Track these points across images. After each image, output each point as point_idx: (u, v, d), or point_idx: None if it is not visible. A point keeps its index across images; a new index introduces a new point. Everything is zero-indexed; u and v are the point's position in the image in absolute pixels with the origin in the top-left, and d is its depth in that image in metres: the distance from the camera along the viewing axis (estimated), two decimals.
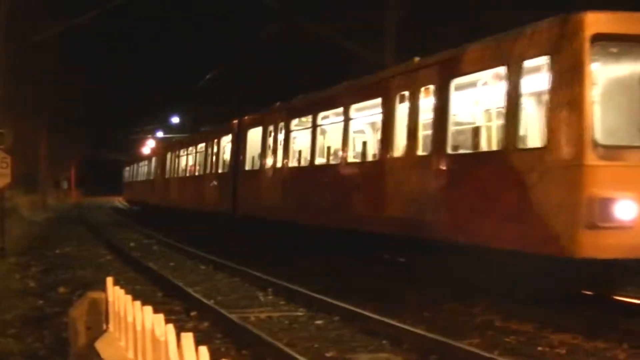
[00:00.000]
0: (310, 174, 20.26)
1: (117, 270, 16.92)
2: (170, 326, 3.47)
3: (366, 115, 18.05)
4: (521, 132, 12.15)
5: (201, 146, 32.78)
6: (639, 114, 11.34)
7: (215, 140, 29.83)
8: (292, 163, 21.41)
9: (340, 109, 18.30)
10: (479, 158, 13.35)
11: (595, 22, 10.75)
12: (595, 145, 10.50)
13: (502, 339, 9.83)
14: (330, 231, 18.69)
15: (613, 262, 10.86)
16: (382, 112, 16.14)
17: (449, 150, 13.62)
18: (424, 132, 14.68)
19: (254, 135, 24.68)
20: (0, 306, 12.30)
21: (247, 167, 25.56)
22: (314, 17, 30.86)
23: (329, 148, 19.80)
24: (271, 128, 22.79)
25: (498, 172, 12.28)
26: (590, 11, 10.79)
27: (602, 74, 11.48)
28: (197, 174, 33.51)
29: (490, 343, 9.40)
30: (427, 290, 13.61)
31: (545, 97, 11.40)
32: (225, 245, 23.97)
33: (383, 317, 10.48)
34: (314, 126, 19.84)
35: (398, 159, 15.33)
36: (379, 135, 16.63)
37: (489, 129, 13.46)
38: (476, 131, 13.64)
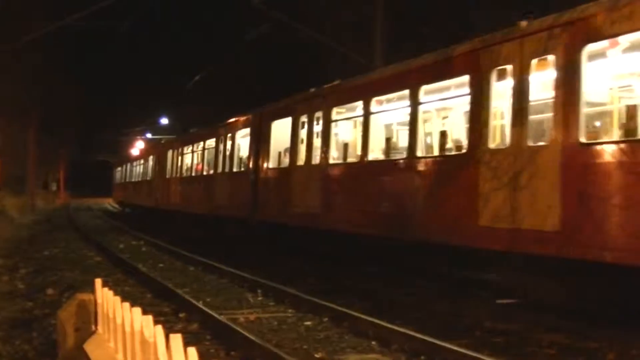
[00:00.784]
0: (363, 171, 16.56)
1: (106, 272, 16.88)
2: (159, 327, 3.47)
3: (441, 98, 14.92)
4: None
5: (210, 142, 29.39)
6: None
7: (229, 135, 26.50)
8: (336, 159, 18.24)
9: (405, 92, 15.08)
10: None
11: None
12: None
13: (491, 339, 9.85)
14: (393, 243, 15.44)
15: None
16: (470, 93, 12.96)
17: (582, 139, 10.48)
18: (535, 116, 11.81)
19: (280, 128, 21.43)
20: None
21: (271, 164, 22.19)
22: (301, 18, 30.84)
23: (389, 140, 16.75)
24: (304, 118, 19.56)
25: None
26: None
27: None
28: (204, 173, 30.31)
29: (479, 343, 9.42)
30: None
31: None
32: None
33: (372, 317, 10.50)
34: (367, 114, 16.50)
35: (498, 151, 12.17)
36: (464, 122, 14.07)
37: None
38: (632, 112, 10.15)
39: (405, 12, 30.03)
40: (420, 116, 14.74)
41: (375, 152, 16.78)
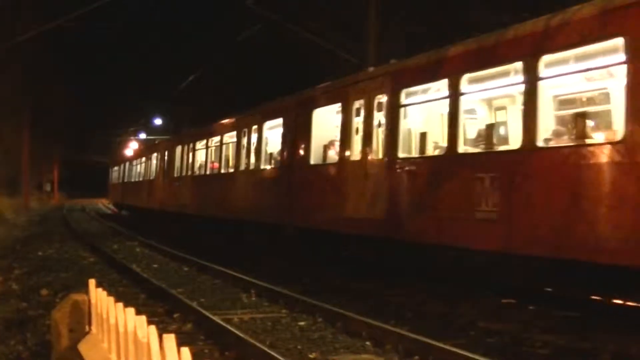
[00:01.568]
0: (454, 167, 13.28)
1: (100, 273, 16.86)
2: (153, 328, 3.47)
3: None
4: None
5: (229, 136, 25.78)
6: None
7: (253, 127, 22.93)
8: (406, 152, 15.06)
9: (516, 65, 11.98)
10: None
11: None
12: None
13: (485, 339, 9.87)
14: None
15: None
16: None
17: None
18: None
19: (325, 117, 18.49)
20: None
21: (313, 160, 18.76)
22: (294, 18, 30.82)
23: (491, 127, 13.36)
24: (359, 104, 16.57)
25: None
26: None
27: None
28: (223, 171, 26.63)
29: (473, 344, 9.43)
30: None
31: None
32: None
33: (366, 318, 10.51)
34: (455, 94, 13.24)
35: None
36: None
37: None
38: None
39: (396, 11, 30.04)
40: (543, 94, 11.65)
41: (471, 143, 13.57)
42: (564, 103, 12.38)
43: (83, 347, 5.03)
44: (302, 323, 11.03)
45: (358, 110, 16.66)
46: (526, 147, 11.49)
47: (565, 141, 11.27)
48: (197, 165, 30.50)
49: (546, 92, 11.75)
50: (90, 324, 5.26)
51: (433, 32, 26.93)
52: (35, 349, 9.26)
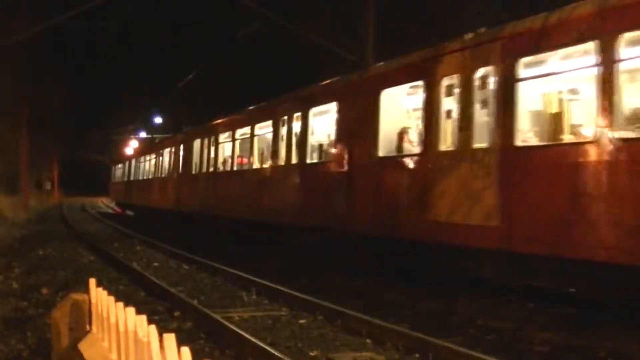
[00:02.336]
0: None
1: (100, 271, 16.87)
2: (153, 327, 3.49)
3: None
4: None
5: (264, 126, 22.65)
6: None
7: (297, 115, 19.77)
8: (529, 139, 12.05)
9: None
10: None
11: None
12: None
13: (484, 337, 9.89)
14: None
15: None
16: None
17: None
18: None
19: (397, 99, 15.60)
20: None
21: (383, 152, 15.54)
22: (292, 17, 30.79)
23: None
24: (450, 80, 13.36)
25: None
26: None
27: None
28: (255, 166, 23.35)
29: (472, 341, 9.45)
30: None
31: None
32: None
33: (366, 315, 10.53)
34: (613, 60, 10.00)
35: None
36: None
37: None
38: None
39: (393, 10, 30.05)
40: None
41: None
42: None
43: (83, 346, 5.04)
44: (302, 321, 11.05)
45: (449, 88, 13.40)
46: None
47: None
48: (220, 160, 27.22)
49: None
50: (90, 323, 5.27)
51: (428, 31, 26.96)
52: (35, 348, 9.27)
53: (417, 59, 14.71)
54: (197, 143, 30.29)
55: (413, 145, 14.83)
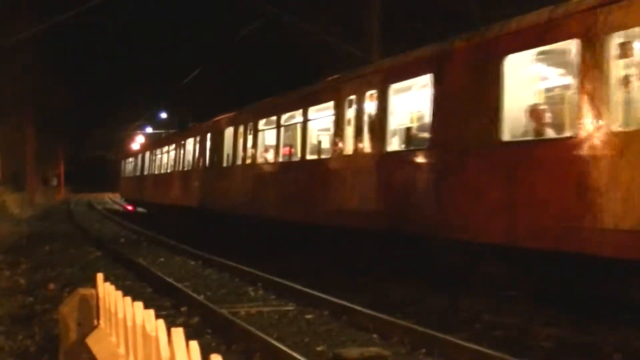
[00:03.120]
0: None
1: (107, 267, 16.90)
2: (161, 321, 3.49)
3: None
4: None
5: (321, 109, 19.09)
6: None
7: (370, 94, 16.16)
8: None
9: None
10: None
11: None
12: None
13: (490, 332, 9.89)
14: None
15: None
16: None
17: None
18: None
19: (529, 66, 11.88)
20: None
21: (507, 135, 11.88)
22: (295, 13, 30.70)
23: None
24: (621, 37, 9.79)
25: None
26: None
27: None
28: (307, 158, 19.64)
29: (479, 336, 9.45)
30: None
31: None
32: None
33: (372, 311, 10.53)
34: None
35: None
36: None
37: None
38: None
39: (397, 7, 30.01)
40: None
41: None
42: None
43: (91, 341, 5.05)
44: (308, 316, 11.07)
45: (625, 48, 9.76)
46: None
47: None
48: (259, 150, 23.25)
49: None
50: (98, 318, 5.28)
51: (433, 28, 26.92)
52: (42, 344, 9.31)
53: (561, 15, 10.86)
54: (228, 131, 26.28)
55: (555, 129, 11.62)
